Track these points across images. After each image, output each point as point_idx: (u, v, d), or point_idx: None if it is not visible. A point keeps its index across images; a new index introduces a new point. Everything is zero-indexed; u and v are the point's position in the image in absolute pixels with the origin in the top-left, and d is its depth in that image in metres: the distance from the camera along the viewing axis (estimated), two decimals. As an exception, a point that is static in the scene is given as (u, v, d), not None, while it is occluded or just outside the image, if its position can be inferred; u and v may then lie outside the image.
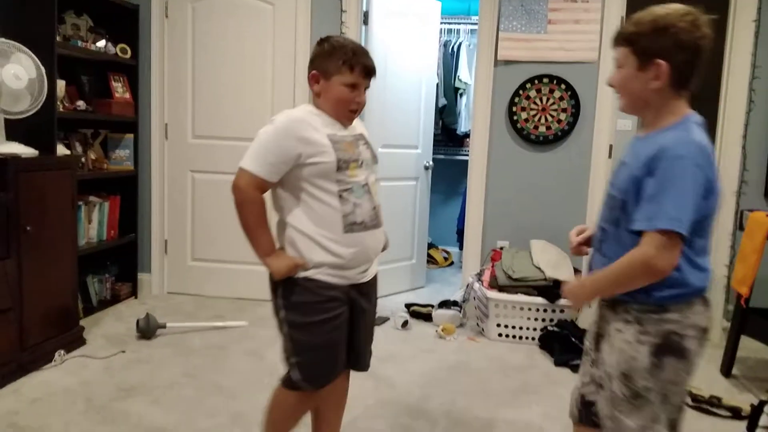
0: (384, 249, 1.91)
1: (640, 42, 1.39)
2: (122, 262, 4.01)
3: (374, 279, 1.93)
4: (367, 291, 1.89)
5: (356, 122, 1.88)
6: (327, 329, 1.78)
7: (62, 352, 2.96)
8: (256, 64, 3.91)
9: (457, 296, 3.87)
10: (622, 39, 1.43)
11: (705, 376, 3.03)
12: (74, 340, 3.11)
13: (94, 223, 3.66)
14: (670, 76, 1.37)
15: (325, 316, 1.77)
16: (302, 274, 1.75)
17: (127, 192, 3.95)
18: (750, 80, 3.49)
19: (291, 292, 1.77)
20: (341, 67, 1.73)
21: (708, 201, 1.37)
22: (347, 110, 1.79)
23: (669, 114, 1.41)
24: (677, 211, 1.31)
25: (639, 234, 1.38)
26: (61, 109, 3.31)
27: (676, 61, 1.36)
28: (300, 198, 1.74)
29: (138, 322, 3.31)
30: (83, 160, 3.61)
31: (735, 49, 3.50)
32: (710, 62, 1.40)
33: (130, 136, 3.92)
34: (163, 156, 4.04)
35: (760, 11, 3.45)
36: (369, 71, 1.77)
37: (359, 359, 1.95)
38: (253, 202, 1.72)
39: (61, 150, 3.29)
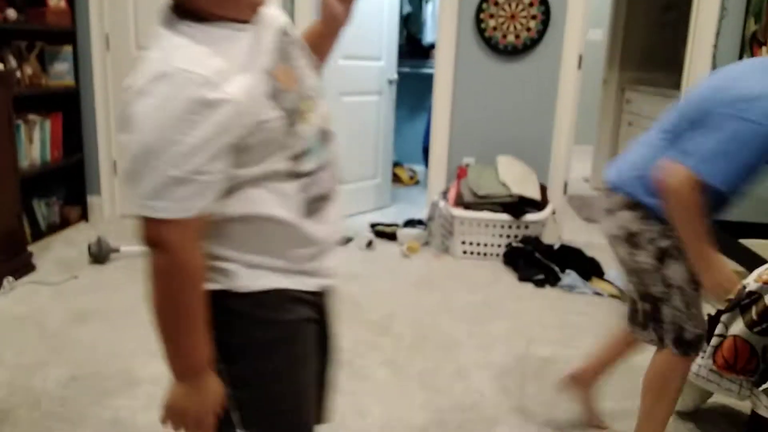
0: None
1: None
2: (70, 184, 3.80)
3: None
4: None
5: (271, 11, 1.02)
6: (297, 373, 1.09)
7: (11, 278, 2.83)
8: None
9: (423, 215, 3.81)
10: None
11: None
12: (23, 266, 2.97)
13: (36, 143, 3.41)
14: None
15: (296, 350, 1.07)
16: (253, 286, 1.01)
17: (70, 109, 3.67)
18: (724, -15, 3.36)
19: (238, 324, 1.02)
20: None
21: None
22: None
23: None
24: None
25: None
26: (-13, 18, 3.01)
27: None
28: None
29: (89, 246, 3.17)
30: (19, 75, 3.33)
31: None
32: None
33: (68, 48, 3.61)
34: (106, 69, 3.75)
35: None
36: None
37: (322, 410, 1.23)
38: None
39: (-7, 64, 3.02)
